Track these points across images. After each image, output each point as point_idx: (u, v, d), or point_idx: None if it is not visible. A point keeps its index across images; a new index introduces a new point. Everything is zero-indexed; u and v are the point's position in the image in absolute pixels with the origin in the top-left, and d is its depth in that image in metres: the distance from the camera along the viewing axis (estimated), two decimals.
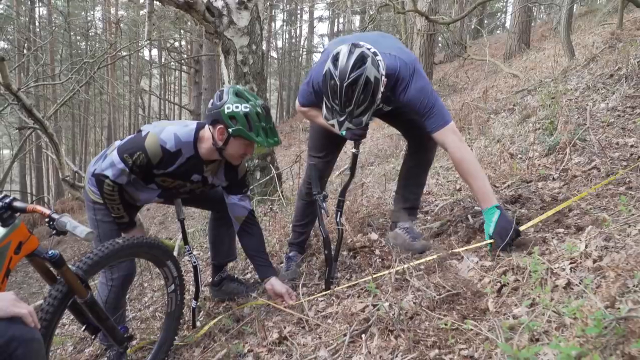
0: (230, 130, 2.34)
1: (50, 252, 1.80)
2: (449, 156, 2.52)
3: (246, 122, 2.33)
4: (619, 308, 1.25)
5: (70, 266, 1.91)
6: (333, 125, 2.38)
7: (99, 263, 2.13)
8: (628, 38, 6.52)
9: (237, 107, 2.33)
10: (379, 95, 2.31)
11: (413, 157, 2.96)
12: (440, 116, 2.45)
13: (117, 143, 2.50)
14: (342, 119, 2.32)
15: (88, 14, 25.65)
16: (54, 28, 19.16)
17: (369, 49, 2.30)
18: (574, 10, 16.06)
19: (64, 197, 19.51)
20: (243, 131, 2.34)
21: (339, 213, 2.75)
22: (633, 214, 2.15)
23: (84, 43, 23.83)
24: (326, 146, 2.91)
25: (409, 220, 2.92)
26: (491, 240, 2.35)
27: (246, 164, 2.75)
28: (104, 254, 2.14)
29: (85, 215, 2.76)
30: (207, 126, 2.46)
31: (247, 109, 2.33)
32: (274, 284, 2.66)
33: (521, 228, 2.38)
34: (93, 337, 2.18)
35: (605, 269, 1.50)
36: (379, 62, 2.30)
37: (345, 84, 2.22)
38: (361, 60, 2.23)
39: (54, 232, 1.80)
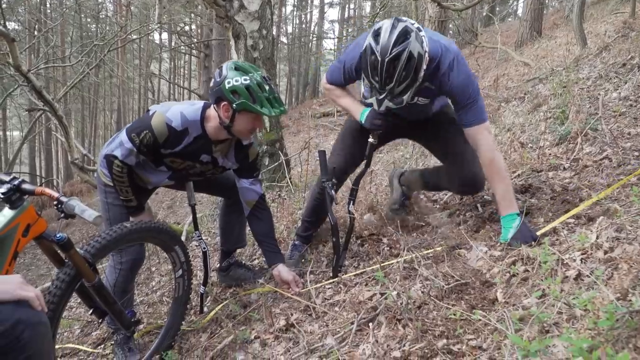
0: (234, 105, 2.30)
1: (58, 235, 1.80)
2: (480, 155, 2.44)
3: (249, 94, 2.28)
4: (631, 300, 1.23)
5: (78, 249, 1.91)
6: (371, 104, 2.31)
7: (107, 247, 2.13)
8: None
9: (237, 81, 2.28)
10: (422, 73, 2.21)
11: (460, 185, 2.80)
12: (480, 112, 2.40)
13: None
14: (381, 97, 2.24)
15: None
16: (64, 10, 19.14)
17: (412, 24, 2.20)
18: None
19: (73, 179, 19.64)
20: (247, 104, 2.29)
21: (351, 202, 2.71)
22: None
23: (94, 25, 23.77)
24: (354, 146, 2.84)
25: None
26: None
27: (257, 148, 2.71)
28: (112, 238, 2.13)
29: (94, 198, 2.77)
30: (212, 105, 2.43)
31: (247, 81, 2.28)
32: (281, 270, 2.66)
33: (538, 233, 2.30)
34: (100, 321, 2.19)
35: (617, 260, 1.48)
36: (423, 37, 2.20)
37: (387, 59, 2.12)
38: (404, 34, 2.13)
39: (62, 215, 1.80)
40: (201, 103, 2.50)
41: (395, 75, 2.15)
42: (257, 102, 2.30)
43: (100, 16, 22.33)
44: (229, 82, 2.29)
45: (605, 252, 1.82)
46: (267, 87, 2.33)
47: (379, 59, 2.14)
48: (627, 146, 3.12)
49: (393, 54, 2.12)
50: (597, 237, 1.97)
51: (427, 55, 2.21)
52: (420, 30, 2.21)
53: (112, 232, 2.15)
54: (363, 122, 2.35)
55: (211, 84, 2.40)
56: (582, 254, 1.90)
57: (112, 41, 10.25)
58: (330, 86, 2.68)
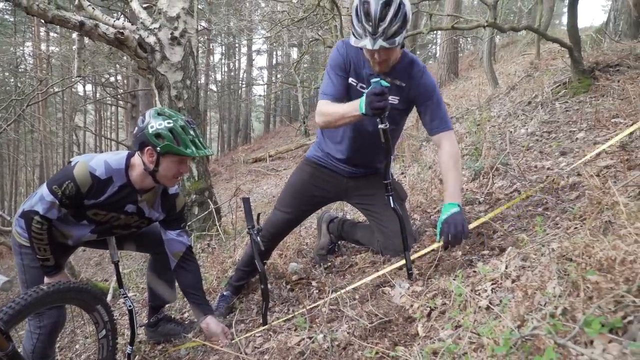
0: (158, 149, 2.29)
1: None
2: (445, 150, 2.55)
3: (172, 137, 2.29)
4: (528, 326, 1.33)
5: None
6: (365, 46, 2.33)
7: (22, 312, 2.02)
8: (544, 67, 6.99)
9: (160, 125, 2.29)
10: (408, 26, 2.35)
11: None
12: (446, 117, 2.60)
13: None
14: (375, 36, 2.29)
15: (17, 49, 24.76)
16: None
17: None
18: (498, 41, 17.04)
19: None
20: (171, 146, 2.29)
21: (390, 198, 2.53)
22: (548, 234, 2.28)
23: (12, 79, 22.93)
24: (296, 205, 2.95)
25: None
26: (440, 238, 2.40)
27: (184, 198, 2.70)
28: (27, 302, 2.04)
29: (14, 260, 2.63)
30: (137, 153, 2.41)
31: (171, 124, 2.29)
32: (210, 322, 2.62)
33: (470, 226, 2.48)
34: None
35: (518, 288, 1.59)
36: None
37: (380, 3, 2.24)
38: None
39: None
40: (125, 152, 2.48)
41: (387, 17, 2.25)
42: (182, 144, 2.30)
43: (19, 70, 21.59)
44: (152, 127, 2.29)
45: (513, 281, 1.94)
46: (190, 130, 2.35)
47: (372, 4, 2.25)
48: (534, 178, 3.36)
49: None
50: (507, 267, 2.09)
51: (410, 16, 2.36)
52: None
53: (27, 296, 2.05)
54: (364, 111, 2.27)
55: (135, 131, 2.40)
56: (493, 284, 2.00)
57: (32, 95, 9.93)
58: (325, 103, 2.57)
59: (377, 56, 2.41)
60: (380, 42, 2.29)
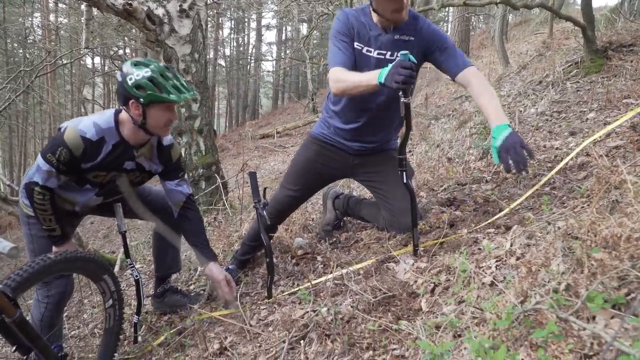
0: (141, 100, 2.26)
1: None
2: (475, 84, 2.47)
3: (153, 85, 2.25)
4: (530, 301, 1.33)
5: None
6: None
7: (29, 280, 2.04)
8: (557, 46, 6.89)
9: (138, 76, 2.25)
10: None
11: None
12: (463, 56, 2.56)
13: None
14: None
15: (26, 20, 24.63)
16: None
17: None
18: (510, 20, 16.78)
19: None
20: (154, 95, 2.26)
21: (404, 173, 2.43)
22: (554, 212, 2.27)
23: (21, 51, 22.86)
24: (302, 183, 2.95)
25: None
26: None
27: (179, 148, 2.70)
28: (35, 270, 2.06)
29: (22, 231, 2.66)
30: (122, 108, 2.39)
31: (149, 73, 2.26)
32: (212, 268, 2.65)
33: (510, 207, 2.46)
34: (25, 358, 2.10)
35: (523, 264, 1.59)
36: None
37: None
38: None
39: None
40: (112, 110, 2.45)
41: None
42: (164, 91, 2.27)
43: (28, 41, 21.50)
44: (131, 79, 2.25)
45: (518, 258, 1.94)
46: (170, 75, 2.31)
47: None
48: (542, 158, 3.34)
49: None
50: (511, 245, 2.10)
51: None
52: None
53: (34, 264, 2.07)
54: (382, 80, 2.17)
55: (116, 88, 2.37)
56: (498, 261, 2.01)
57: (40, 66, 9.93)
58: (338, 70, 2.50)
59: (397, 3, 2.38)
60: None
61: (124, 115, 2.40)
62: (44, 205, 2.35)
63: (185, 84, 2.37)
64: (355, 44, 2.57)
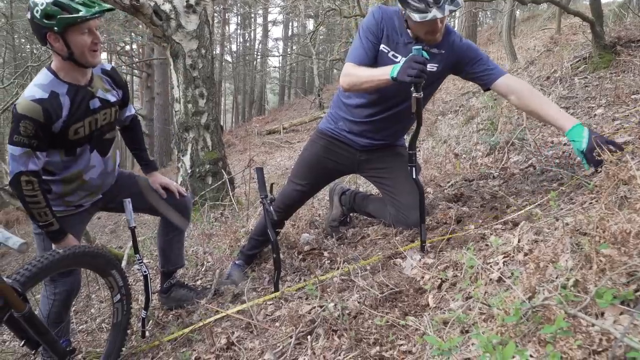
0: (56, 29, 2.15)
1: None
2: (520, 91, 2.48)
3: (60, 9, 2.15)
4: (538, 297, 1.33)
5: (5, 279, 1.86)
6: (435, 17, 2.25)
7: (38, 274, 2.06)
8: (564, 42, 6.84)
9: (42, 4, 2.14)
10: None
11: None
12: (497, 65, 2.56)
13: None
14: (440, 4, 2.22)
15: None
16: None
17: None
18: (518, 15, 16.68)
19: (8, 207, 18.73)
20: (64, 19, 2.14)
21: (413, 169, 2.44)
22: (562, 209, 2.26)
23: (28, 46, 22.96)
24: (309, 178, 2.95)
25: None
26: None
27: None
28: (43, 265, 2.07)
29: (30, 226, 2.68)
30: (47, 49, 2.35)
31: None
32: (156, 175, 2.88)
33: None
34: (34, 352, 2.12)
35: (530, 260, 1.59)
36: None
37: None
38: None
39: None
40: (44, 68, 2.36)
41: None
42: (72, 10, 2.16)
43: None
44: (37, 11, 2.16)
45: (525, 254, 1.94)
46: None
47: None
48: (549, 154, 3.32)
49: None
50: (519, 241, 2.09)
51: None
52: None
53: (43, 259, 2.09)
54: (395, 75, 2.17)
55: (31, 28, 2.29)
56: (505, 257, 2.00)
57: (48, 62, 9.96)
58: (351, 66, 2.51)
59: (440, 23, 2.35)
60: (448, 7, 2.23)
61: (55, 63, 2.31)
62: (36, 197, 2.24)
63: None
64: (382, 45, 2.53)
